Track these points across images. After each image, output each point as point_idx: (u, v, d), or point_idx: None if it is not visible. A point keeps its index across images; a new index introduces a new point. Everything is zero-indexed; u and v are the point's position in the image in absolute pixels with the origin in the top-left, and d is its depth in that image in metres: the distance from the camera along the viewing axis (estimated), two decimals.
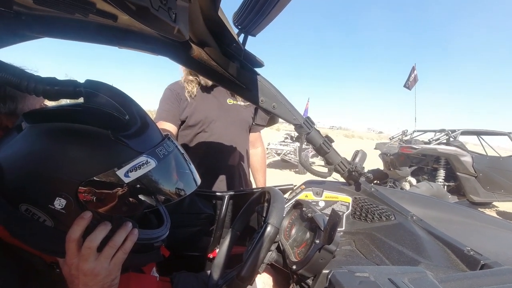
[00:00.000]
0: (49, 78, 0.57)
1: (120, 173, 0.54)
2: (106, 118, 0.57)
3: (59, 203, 0.53)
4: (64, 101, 0.64)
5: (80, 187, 0.53)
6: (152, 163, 0.57)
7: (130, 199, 0.57)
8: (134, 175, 0.55)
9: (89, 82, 0.60)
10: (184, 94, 1.69)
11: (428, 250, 0.89)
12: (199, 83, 1.72)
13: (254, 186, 2.07)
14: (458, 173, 5.30)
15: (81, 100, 0.59)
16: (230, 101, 1.76)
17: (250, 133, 1.93)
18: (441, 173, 5.53)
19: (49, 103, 0.69)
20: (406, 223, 1.07)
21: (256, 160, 2.01)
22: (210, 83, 1.69)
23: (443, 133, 5.83)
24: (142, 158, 0.56)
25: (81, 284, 0.57)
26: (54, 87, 0.56)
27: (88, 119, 0.56)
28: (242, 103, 1.80)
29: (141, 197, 0.58)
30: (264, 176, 2.04)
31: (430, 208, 1.37)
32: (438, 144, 5.59)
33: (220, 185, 1.74)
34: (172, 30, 0.45)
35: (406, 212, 1.13)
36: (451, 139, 5.68)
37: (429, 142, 5.79)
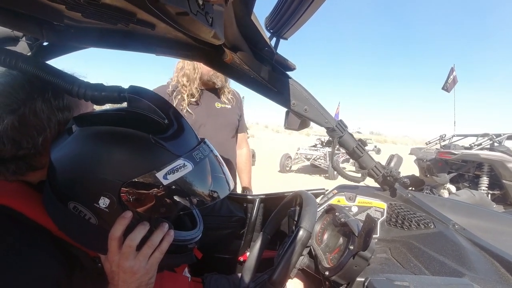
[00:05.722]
0: (96, 84, 0.62)
1: (160, 175, 0.56)
2: (147, 122, 0.60)
3: (104, 202, 0.56)
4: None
5: (122, 188, 0.55)
6: (189, 167, 0.58)
7: (168, 201, 0.59)
8: (172, 178, 0.57)
9: (132, 88, 0.63)
10: (171, 99, 1.71)
11: (473, 262, 0.82)
12: (195, 88, 1.71)
13: (238, 187, 2.12)
14: (504, 181, 4.87)
15: (124, 104, 0.63)
16: (218, 104, 1.78)
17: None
18: (485, 181, 5.12)
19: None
20: (447, 232, 1.00)
21: (241, 160, 2.04)
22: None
23: (486, 138, 5.41)
24: (179, 161, 0.58)
25: (121, 280, 0.60)
26: (101, 93, 0.60)
27: (131, 123, 0.59)
28: (229, 106, 1.82)
29: (177, 199, 0.59)
30: (249, 176, 2.05)
31: (474, 217, 1.27)
32: (481, 149, 5.21)
33: None
34: (208, 34, 0.46)
35: (447, 220, 1.06)
36: (496, 144, 5.26)
37: (470, 147, 5.42)
